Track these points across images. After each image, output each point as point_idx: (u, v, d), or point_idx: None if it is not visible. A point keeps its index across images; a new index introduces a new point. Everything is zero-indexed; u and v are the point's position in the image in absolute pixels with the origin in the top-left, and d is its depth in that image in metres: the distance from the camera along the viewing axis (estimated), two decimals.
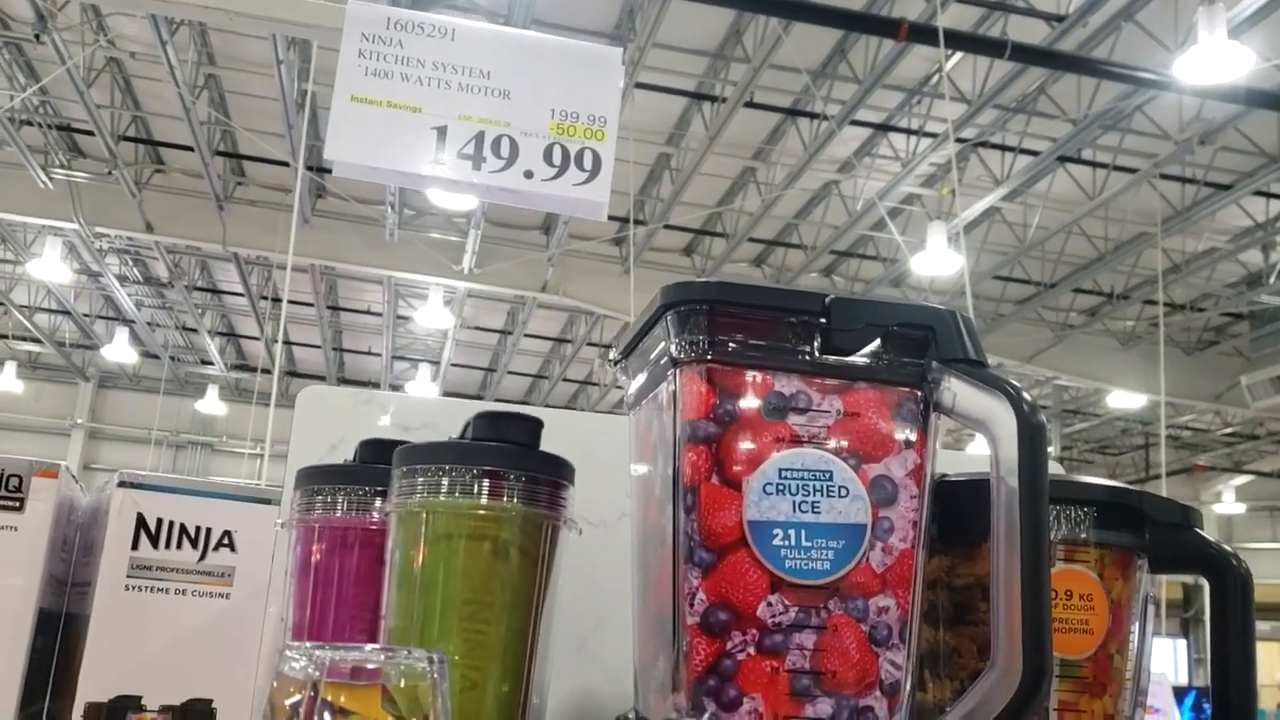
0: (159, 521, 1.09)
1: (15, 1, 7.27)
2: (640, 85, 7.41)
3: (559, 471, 0.78)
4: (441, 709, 0.60)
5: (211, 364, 14.33)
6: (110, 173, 8.96)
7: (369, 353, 13.97)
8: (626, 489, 0.82)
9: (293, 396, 1.29)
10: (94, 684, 1.03)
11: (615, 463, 0.85)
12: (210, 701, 1.06)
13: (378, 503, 0.82)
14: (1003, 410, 0.67)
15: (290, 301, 8.08)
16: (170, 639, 1.07)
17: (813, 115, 7.93)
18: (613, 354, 0.82)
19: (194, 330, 13.28)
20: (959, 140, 7.65)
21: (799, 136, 8.22)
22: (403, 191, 8.69)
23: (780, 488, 0.67)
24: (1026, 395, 0.68)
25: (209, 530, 1.11)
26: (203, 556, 1.10)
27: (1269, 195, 8.72)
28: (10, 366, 14.51)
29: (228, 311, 13.28)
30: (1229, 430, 14.13)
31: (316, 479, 0.86)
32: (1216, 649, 0.84)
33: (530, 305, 11.29)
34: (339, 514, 0.84)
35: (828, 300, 0.70)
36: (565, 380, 14.13)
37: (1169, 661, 12.64)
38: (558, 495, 0.77)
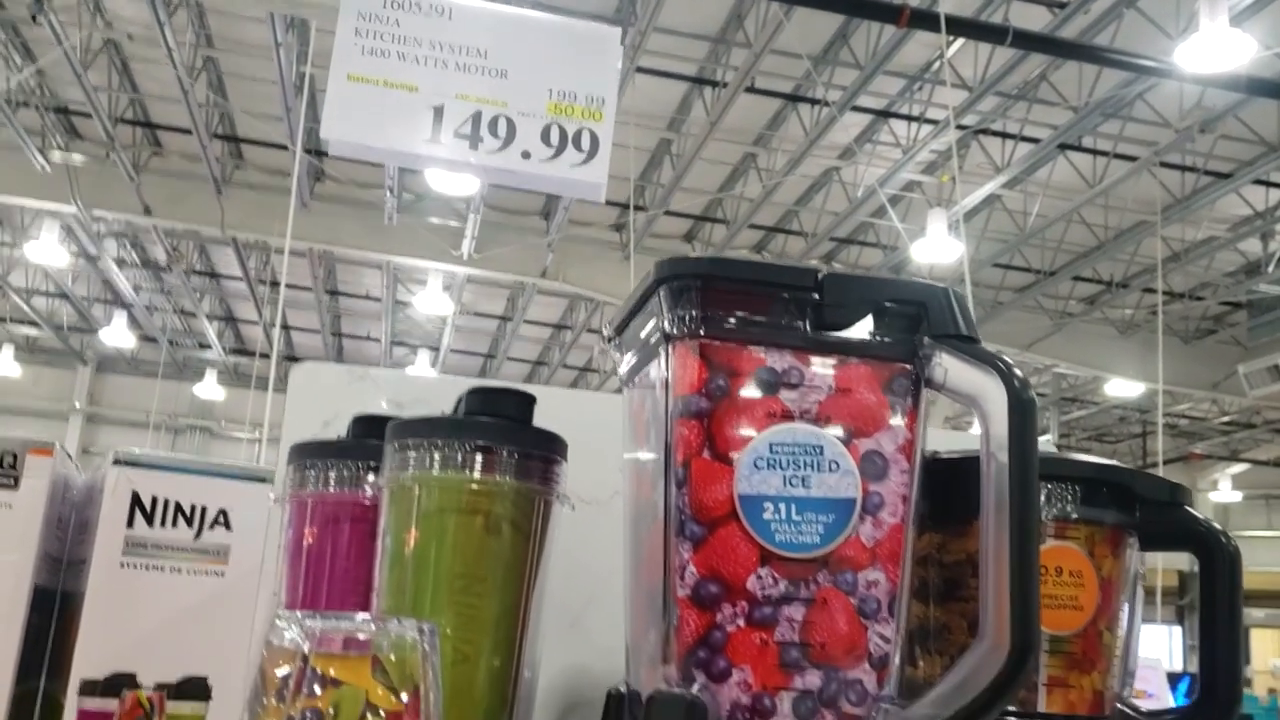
0: (154, 500, 1.10)
1: None
2: (641, 70, 7.39)
3: (551, 447, 0.78)
4: (432, 680, 0.61)
5: (210, 348, 14.33)
6: (108, 155, 8.95)
7: (368, 338, 13.97)
8: (620, 467, 0.83)
9: None
10: (89, 661, 1.04)
11: (609, 441, 0.86)
12: (205, 678, 1.07)
13: (371, 478, 0.82)
14: (993, 386, 0.67)
15: (289, 286, 8.08)
16: (165, 616, 1.08)
17: (814, 101, 7.92)
18: (606, 331, 0.82)
19: (192, 314, 13.27)
20: (960, 127, 7.64)
21: (800, 122, 8.21)
22: (402, 175, 8.68)
23: (771, 462, 0.68)
24: (1017, 371, 0.68)
25: (204, 508, 1.11)
26: (198, 535, 1.11)
27: (1269, 184, 8.72)
28: (8, 350, 14.51)
29: (226, 295, 13.27)
30: (1226, 419, 14.16)
31: (310, 454, 0.86)
32: (1205, 626, 0.84)
33: (530, 291, 11.28)
34: (332, 489, 0.84)
35: (820, 276, 0.70)
36: (565, 366, 14.14)
37: (1164, 647, 12.68)
38: (550, 470, 0.77)
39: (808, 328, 0.70)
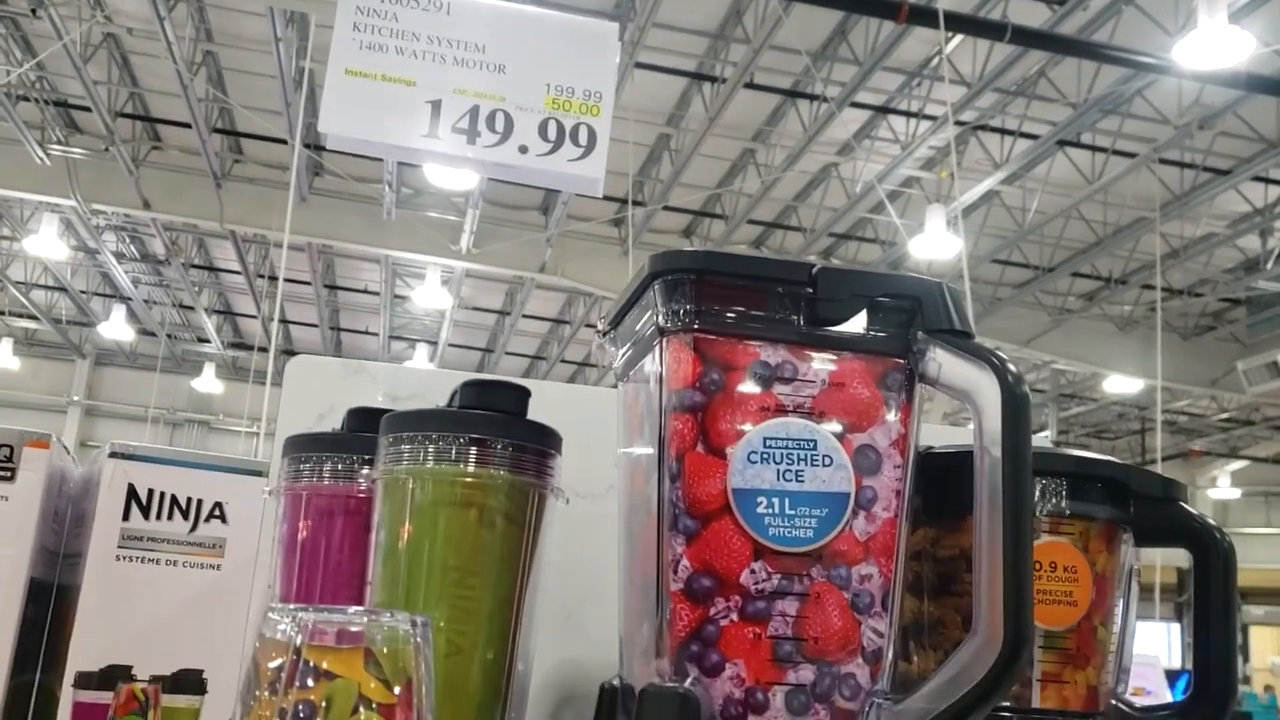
0: (150, 492, 1.10)
1: None
2: (640, 65, 7.39)
3: (546, 440, 0.78)
4: (425, 673, 0.61)
5: (208, 342, 14.33)
6: (107, 149, 8.94)
7: (366, 332, 13.97)
8: (614, 461, 0.83)
9: None
10: (85, 654, 1.04)
11: (604, 435, 0.86)
12: (201, 671, 1.07)
13: (365, 471, 0.82)
14: (987, 381, 0.67)
15: (287, 280, 8.07)
16: (161, 609, 1.08)
17: (812, 97, 7.92)
18: (601, 325, 0.82)
19: (191, 308, 13.27)
20: (958, 123, 7.63)
21: (799, 118, 8.20)
22: (401, 170, 8.68)
23: (765, 456, 0.68)
24: (1011, 366, 0.68)
25: (200, 501, 1.11)
26: (194, 528, 1.11)
27: (1267, 181, 8.72)
28: (7, 343, 14.51)
29: (225, 289, 13.27)
30: (1225, 415, 14.17)
31: (304, 447, 0.86)
32: (1199, 621, 0.84)
33: (528, 286, 11.28)
34: (326, 482, 0.84)
35: (814, 270, 0.70)
36: (563, 361, 14.14)
37: (1162, 644, 12.69)
38: (545, 464, 0.77)
39: (802, 322, 0.70)
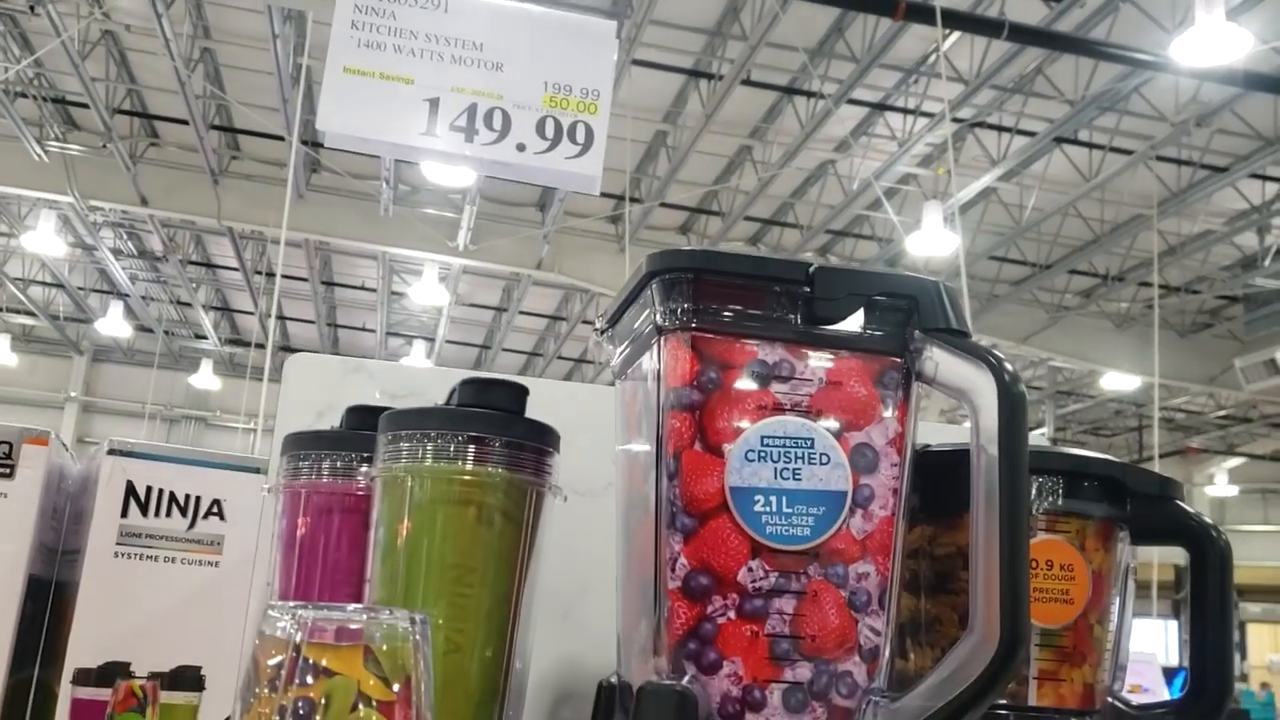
0: (148, 489, 1.10)
1: None
2: (637, 62, 7.38)
3: (544, 438, 0.78)
4: (424, 670, 0.61)
5: (205, 338, 14.32)
6: (105, 146, 8.93)
7: (363, 329, 13.96)
8: (612, 459, 0.83)
9: None
10: (83, 650, 1.04)
11: (602, 433, 0.86)
12: (199, 668, 1.07)
13: (363, 468, 0.82)
14: (984, 380, 0.68)
15: (284, 276, 8.07)
16: (159, 606, 1.08)
17: (809, 94, 7.91)
18: (598, 323, 0.83)
19: (188, 304, 13.26)
20: (956, 120, 7.64)
21: (796, 115, 8.20)
22: (398, 166, 8.67)
23: (762, 455, 0.68)
24: (1008, 365, 0.68)
25: (198, 498, 1.11)
26: (192, 524, 1.11)
27: (1265, 178, 8.72)
28: (4, 339, 14.49)
29: (222, 286, 13.26)
30: (1222, 413, 14.18)
31: (303, 445, 0.87)
32: (1196, 619, 0.84)
33: (525, 282, 11.28)
34: (325, 480, 0.84)
35: (811, 269, 0.71)
36: (560, 358, 14.14)
37: (1159, 642, 12.71)
38: (543, 462, 0.78)
39: (799, 321, 0.70)
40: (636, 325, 0.76)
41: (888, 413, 0.70)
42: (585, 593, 1.02)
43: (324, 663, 0.58)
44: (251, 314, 13.06)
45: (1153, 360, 9.30)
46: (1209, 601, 0.84)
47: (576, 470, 0.85)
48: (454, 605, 0.73)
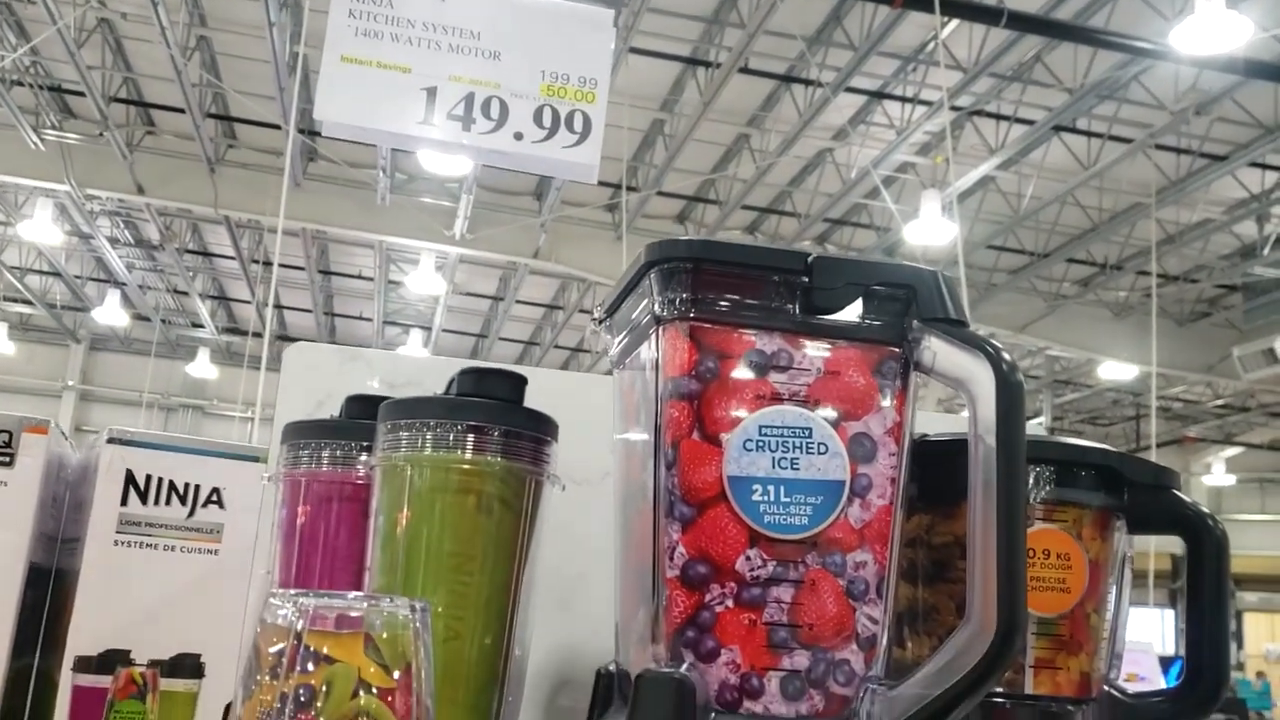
0: (148, 478, 1.10)
1: None
2: (634, 50, 7.37)
3: (542, 427, 0.78)
4: (424, 657, 0.61)
5: (203, 327, 14.31)
6: (101, 134, 8.92)
7: (360, 317, 13.96)
8: (611, 448, 0.83)
9: None
10: (84, 638, 1.05)
11: (600, 422, 0.86)
12: (199, 655, 1.08)
13: (363, 457, 0.83)
14: (981, 369, 0.68)
15: (281, 265, 8.06)
16: (159, 594, 1.08)
17: (807, 82, 7.90)
18: (596, 312, 0.83)
19: (185, 293, 13.25)
20: (954, 108, 7.63)
21: (793, 103, 8.19)
22: (394, 155, 8.66)
23: (760, 444, 0.68)
24: (1006, 355, 0.68)
25: (197, 487, 1.12)
26: (191, 513, 1.11)
27: (1264, 167, 8.73)
28: (1, 328, 14.48)
29: (219, 275, 13.25)
30: (1220, 402, 14.20)
31: (303, 434, 0.87)
32: (1192, 608, 0.85)
33: (522, 271, 11.27)
34: (325, 469, 0.84)
35: (810, 259, 0.71)
36: (557, 347, 14.14)
37: (1156, 631, 12.75)
38: (541, 451, 0.78)
39: (797, 311, 0.70)
40: (635, 315, 0.76)
41: (886, 402, 0.70)
42: (584, 581, 1.03)
43: (325, 650, 0.59)
44: (249, 303, 13.05)
45: (1150, 349, 9.31)
46: (1205, 590, 0.85)
47: (575, 460, 0.85)
48: (453, 593, 0.74)
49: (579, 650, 1.01)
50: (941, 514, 0.81)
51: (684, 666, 0.66)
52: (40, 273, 13.38)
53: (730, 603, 0.67)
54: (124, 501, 1.09)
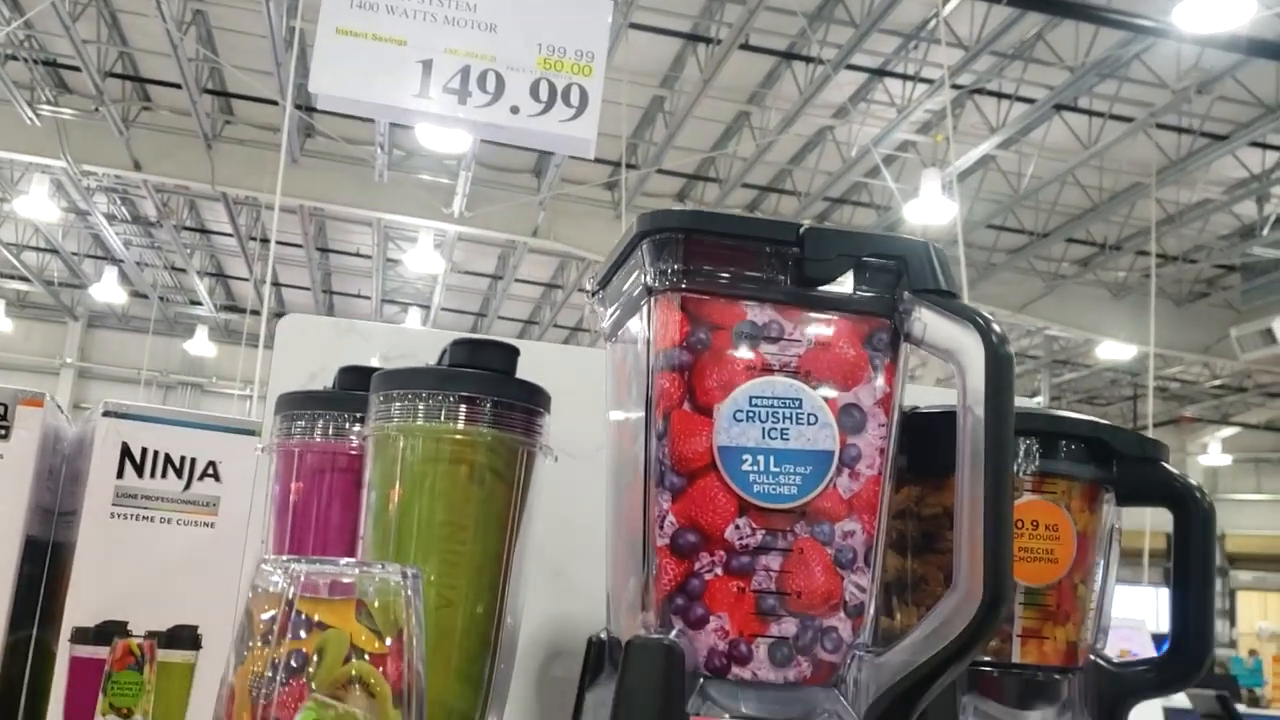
0: (144, 451, 1.10)
1: None
2: (634, 26, 7.34)
3: (534, 399, 0.79)
4: (416, 624, 0.62)
5: (200, 304, 14.30)
6: (97, 110, 8.88)
7: (358, 295, 13.95)
8: (603, 422, 0.84)
9: None
10: (80, 610, 1.05)
11: (593, 396, 0.86)
12: (195, 627, 1.08)
13: (356, 428, 0.83)
14: (971, 341, 0.68)
15: (279, 243, 8.05)
16: (156, 566, 1.09)
17: (808, 59, 7.87)
18: (589, 284, 0.83)
19: (183, 270, 13.23)
20: (955, 87, 7.60)
21: (794, 81, 8.16)
22: (392, 132, 8.63)
23: (750, 414, 0.68)
24: (995, 326, 0.68)
25: (194, 460, 1.12)
26: (187, 486, 1.11)
27: (1265, 146, 8.71)
28: None
29: (216, 252, 13.23)
30: (1217, 382, 14.22)
31: (296, 405, 0.87)
32: (1178, 579, 0.86)
33: (521, 250, 11.26)
34: (318, 440, 0.85)
35: (801, 230, 0.71)
36: (556, 326, 14.14)
37: (1150, 608, 12.81)
38: (533, 422, 0.78)
39: (789, 282, 0.71)
40: (626, 287, 0.77)
41: (876, 374, 0.71)
42: (576, 553, 1.03)
43: (317, 617, 0.59)
44: (246, 280, 13.04)
45: (1148, 329, 9.31)
46: (1192, 562, 0.85)
47: (567, 432, 0.86)
48: (445, 561, 0.74)
49: (571, 619, 1.02)
50: (931, 486, 0.82)
51: (673, 633, 0.67)
52: (37, 249, 13.36)
53: (719, 571, 0.67)
54: (120, 474, 1.09)
